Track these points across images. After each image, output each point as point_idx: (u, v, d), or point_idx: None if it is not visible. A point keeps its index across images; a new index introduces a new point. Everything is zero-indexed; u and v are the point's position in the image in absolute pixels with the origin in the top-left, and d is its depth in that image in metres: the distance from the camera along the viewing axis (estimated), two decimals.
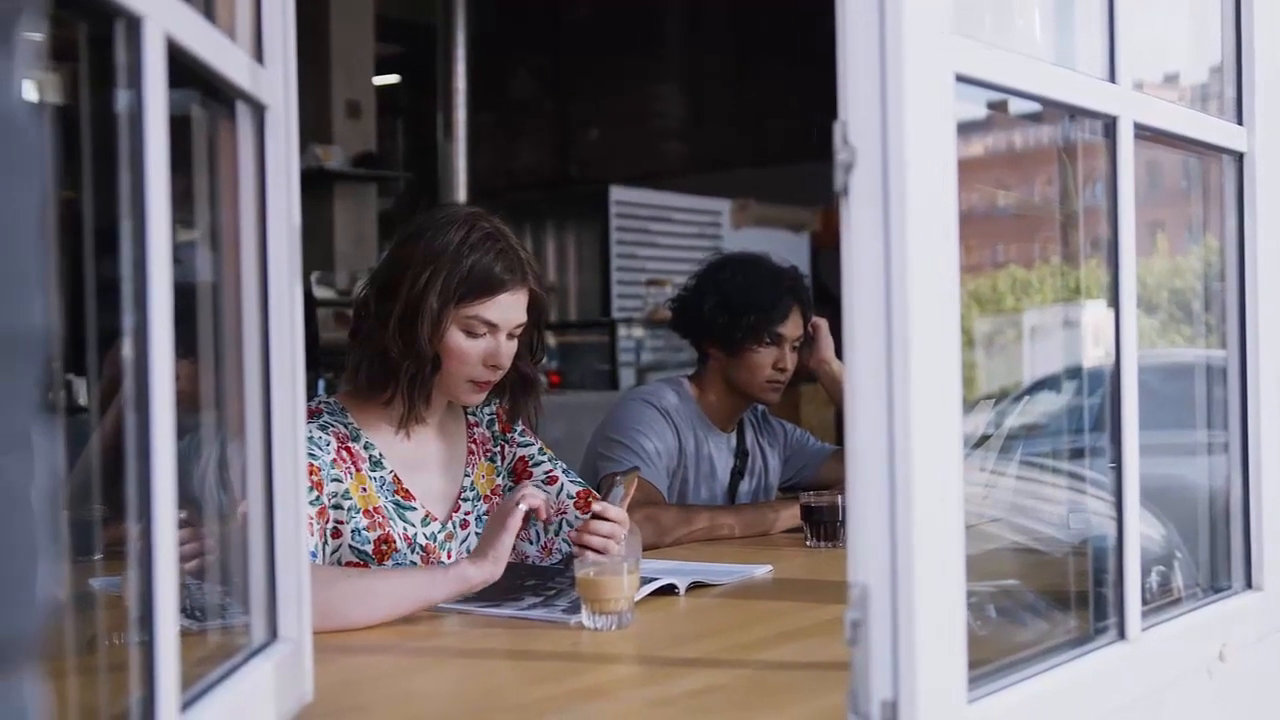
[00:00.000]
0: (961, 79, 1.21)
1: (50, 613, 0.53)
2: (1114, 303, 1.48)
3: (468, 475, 2.29)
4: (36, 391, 0.51)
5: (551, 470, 2.33)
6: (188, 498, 1.11)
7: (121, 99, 0.98)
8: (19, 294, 0.48)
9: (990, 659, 1.30)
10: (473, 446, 2.32)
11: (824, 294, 5.83)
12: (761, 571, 2.27)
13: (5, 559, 0.48)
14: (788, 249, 6.23)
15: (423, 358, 2.11)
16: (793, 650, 1.73)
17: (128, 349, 0.97)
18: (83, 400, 2.45)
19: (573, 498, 2.29)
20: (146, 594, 0.97)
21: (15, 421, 0.49)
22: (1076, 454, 1.92)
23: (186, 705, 1.06)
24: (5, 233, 0.47)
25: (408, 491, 2.18)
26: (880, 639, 1.13)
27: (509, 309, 2.15)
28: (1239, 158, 1.74)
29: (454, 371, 2.15)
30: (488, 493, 2.31)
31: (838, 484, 2.89)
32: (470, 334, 2.14)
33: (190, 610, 1.28)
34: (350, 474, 2.12)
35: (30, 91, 0.53)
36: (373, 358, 2.14)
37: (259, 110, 1.31)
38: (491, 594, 2.00)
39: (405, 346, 2.11)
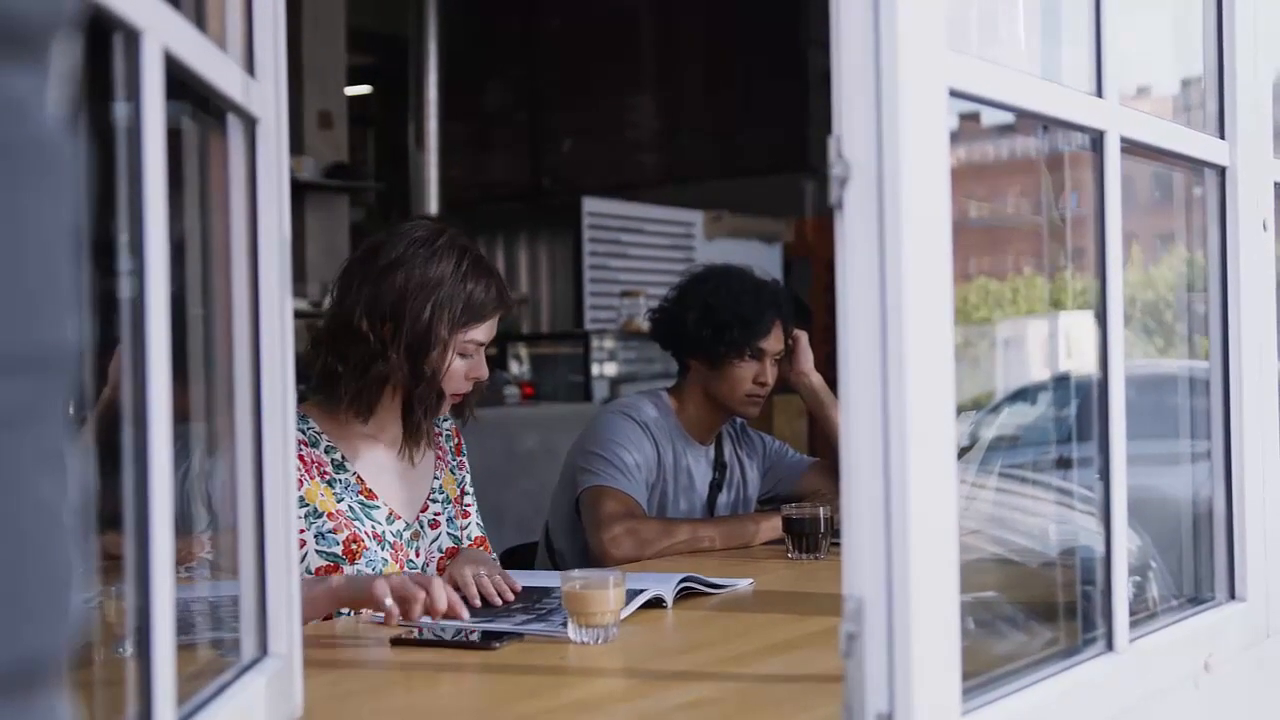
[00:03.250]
0: (955, 93, 1.21)
1: (81, 629, 0.53)
2: (1101, 314, 1.49)
3: (436, 478, 2.36)
4: (68, 408, 0.51)
5: (470, 506, 2.44)
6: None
7: (119, 111, 0.97)
8: (54, 311, 0.48)
9: (981, 671, 1.31)
10: (439, 453, 2.39)
11: (798, 306, 5.83)
12: (744, 584, 2.27)
13: (41, 577, 0.48)
14: (760, 260, 6.23)
15: (434, 384, 2.19)
16: (782, 663, 1.73)
17: (125, 361, 0.96)
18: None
19: (471, 540, 2.38)
20: (144, 609, 0.96)
21: (49, 439, 0.49)
22: (1056, 465, 1.93)
23: None
24: (43, 251, 0.47)
25: (371, 491, 2.24)
26: (875, 651, 1.14)
27: (494, 327, 2.27)
28: (1221, 171, 1.76)
29: (443, 390, 2.23)
30: (454, 498, 2.39)
31: (816, 496, 2.90)
32: (463, 355, 2.23)
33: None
34: (307, 480, 2.16)
35: (62, 108, 0.52)
36: (374, 384, 2.19)
37: (250, 123, 1.30)
38: (483, 612, 2.00)
39: (415, 377, 2.18)
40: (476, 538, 2.40)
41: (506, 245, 8.52)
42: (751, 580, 2.30)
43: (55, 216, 0.49)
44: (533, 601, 2.07)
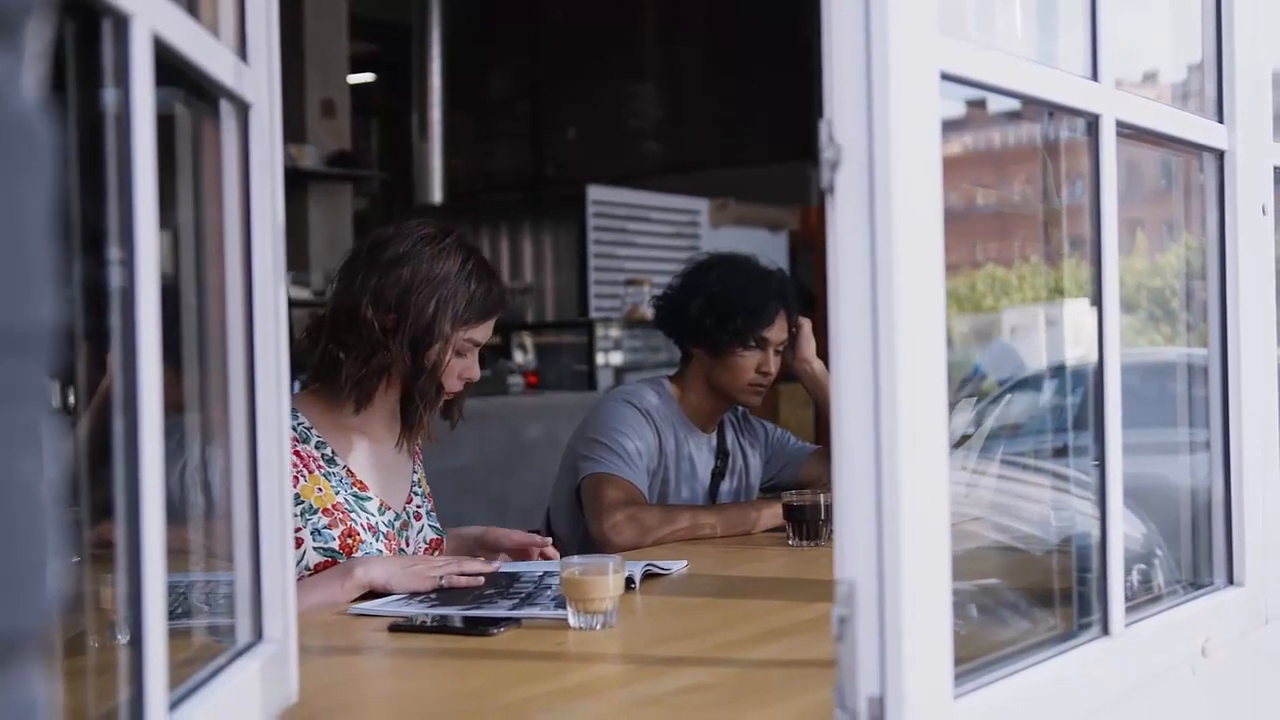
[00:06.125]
0: (947, 77, 1.21)
1: (59, 608, 0.53)
2: (1097, 300, 1.48)
3: (416, 472, 2.41)
4: (45, 387, 0.51)
5: (428, 506, 2.43)
6: (168, 499, 1.11)
7: (108, 97, 0.97)
8: (30, 291, 0.49)
9: (975, 655, 1.31)
10: (417, 449, 2.42)
11: (803, 294, 5.84)
12: (679, 566, 2.30)
13: (18, 553, 0.49)
14: (766, 249, 6.23)
15: (434, 377, 2.22)
16: (778, 648, 1.74)
17: (115, 351, 0.96)
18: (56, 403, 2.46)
19: (427, 543, 2.37)
20: (135, 595, 0.97)
21: (26, 416, 0.49)
22: (1058, 452, 1.93)
23: (174, 705, 1.06)
24: (17, 231, 0.48)
25: (362, 483, 2.26)
26: (867, 635, 1.14)
27: (490, 329, 2.30)
28: (1220, 155, 1.75)
29: (442, 384, 2.25)
30: (427, 493, 2.43)
31: (819, 484, 2.90)
32: (459, 354, 2.25)
33: (173, 610, 1.27)
34: (304, 476, 2.18)
35: (36, 89, 0.53)
36: (375, 374, 2.21)
37: (243, 109, 1.30)
38: (469, 599, 2.00)
39: (416, 370, 2.21)
40: (433, 539, 2.40)
41: (510, 235, 8.53)
42: (685, 562, 2.32)
43: (30, 197, 0.49)
44: (505, 587, 2.07)
